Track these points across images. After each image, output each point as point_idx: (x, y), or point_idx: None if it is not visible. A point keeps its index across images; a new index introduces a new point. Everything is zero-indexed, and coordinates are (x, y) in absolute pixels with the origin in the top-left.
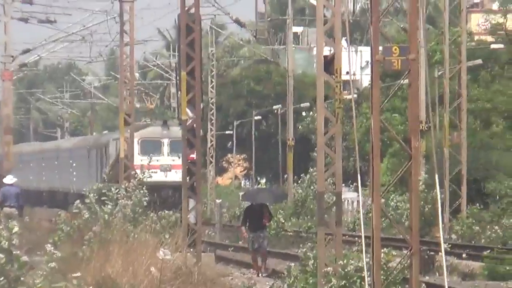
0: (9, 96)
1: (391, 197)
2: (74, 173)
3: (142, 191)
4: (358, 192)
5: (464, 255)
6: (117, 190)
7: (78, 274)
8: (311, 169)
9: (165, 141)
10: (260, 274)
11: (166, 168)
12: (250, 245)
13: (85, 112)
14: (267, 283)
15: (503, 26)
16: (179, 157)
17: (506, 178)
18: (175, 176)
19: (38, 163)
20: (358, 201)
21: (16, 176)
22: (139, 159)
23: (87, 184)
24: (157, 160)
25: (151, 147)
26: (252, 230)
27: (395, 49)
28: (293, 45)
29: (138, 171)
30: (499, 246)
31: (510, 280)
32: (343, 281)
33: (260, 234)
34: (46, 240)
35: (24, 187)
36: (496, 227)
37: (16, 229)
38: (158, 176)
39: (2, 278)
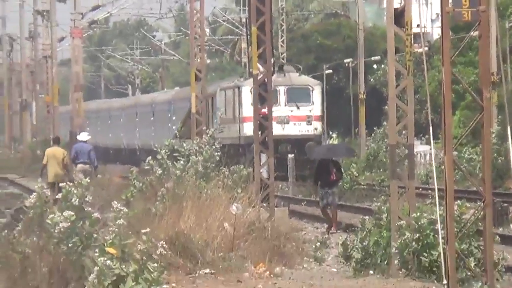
0: (79, 53)
1: (464, 150)
2: (174, 127)
3: (214, 146)
4: (430, 145)
5: None
6: (189, 146)
7: (148, 230)
8: (384, 123)
9: (282, 89)
10: (329, 233)
11: (283, 120)
12: (320, 202)
13: (156, 69)
14: (340, 237)
15: None
16: (298, 107)
17: None
18: (294, 129)
19: (145, 116)
20: (430, 154)
21: (112, 131)
22: (251, 111)
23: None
24: (273, 111)
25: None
26: (321, 186)
27: (465, 1)
28: None
29: (250, 124)
30: None
31: None
32: (417, 234)
33: (328, 190)
34: (119, 197)
35: (116, 145)
36: None
37: (89, 186)
38: (275, 129)
39: (74, 235)
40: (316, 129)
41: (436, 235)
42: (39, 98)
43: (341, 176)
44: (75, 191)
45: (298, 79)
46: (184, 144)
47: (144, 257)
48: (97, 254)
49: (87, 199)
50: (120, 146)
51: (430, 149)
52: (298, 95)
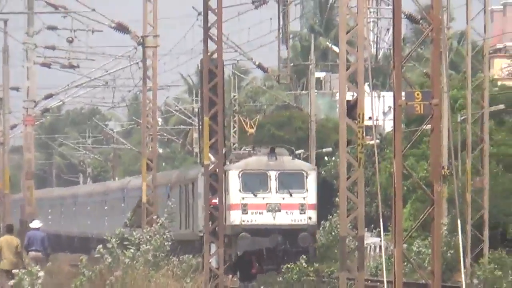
0: (31, 141)
1: (414, 242)
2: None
3: (165, 236)
4: (380, 237)
5: None
6: (139, 234)
7: None
8: (330, 216)
9: (273, 174)
10: None
11: (274, 208)
12: None
13: (107, 158)
14: None
15: None
16: (290, 195)
17: None
18: (286, 218)
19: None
20: (380, 246)
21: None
22: (240, 197)
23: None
24: (263, 198)
25: (256, 181)
26: (241, 279)
27: (418, 94)
28: (316, 90)
29: (238, 212)
30: None
31: None
32: None
33: (248, 284)
34: (69, 284)
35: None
36: None
37: (41, 273)
38: (265, 218)
39: None
40: (310, 218)
41: None
42: None
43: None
44: (27, 279)
45: (291, 163)
46: (134, 233)
47: None
48: None
49: (36, 287)
50: (72, 234)
51: (380, 241)
52: (291, 181)
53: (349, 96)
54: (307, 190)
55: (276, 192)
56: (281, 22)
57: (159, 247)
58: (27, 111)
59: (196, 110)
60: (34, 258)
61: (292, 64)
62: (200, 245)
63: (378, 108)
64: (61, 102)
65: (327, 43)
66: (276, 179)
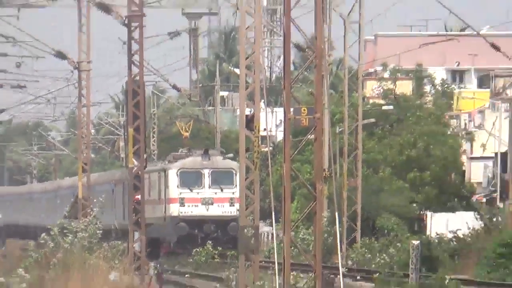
0: None
1: (300, 231)
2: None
3: (97, 225)
4: (272, 227)
5: (358, 277)
6: (76, 224)
7: None
8: None
9: (206, 172)
10: None
11: (208, 201)
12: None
13: (49, 162)
14: None
15: (393, 91)
16: (221, 190)
17: (392, 216)
18: (218, 210)
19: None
20: (272, 234)
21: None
22: (177, 192)
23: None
24: (198, 193)
25: (191, 178)
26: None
27: (304, 110)
28: (220, 107)
29: (176, 205)
30: (386, 270)
31: None
32: None
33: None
34: (19, 265)
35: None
36: (384, 255)
37: None
38: (199, 210)
39: None
40: (238, 210)
41: None
42: None
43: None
44: None
45: (223, 162)
46: (72, 223)
47: None
48: None
49: None
50: (26, 223)
51: (272, 230)
52: (222, 178)
53: (248, 111)
54: (236, 185)
55: (209, 187)
56: (192, 50)
57: (93, 235)
58: None
59: (122, 122)
60: None
61: (201, 85)
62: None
63: (272, 121)
64: (12, 116)
65: (230, 67)
66: (209, 176)
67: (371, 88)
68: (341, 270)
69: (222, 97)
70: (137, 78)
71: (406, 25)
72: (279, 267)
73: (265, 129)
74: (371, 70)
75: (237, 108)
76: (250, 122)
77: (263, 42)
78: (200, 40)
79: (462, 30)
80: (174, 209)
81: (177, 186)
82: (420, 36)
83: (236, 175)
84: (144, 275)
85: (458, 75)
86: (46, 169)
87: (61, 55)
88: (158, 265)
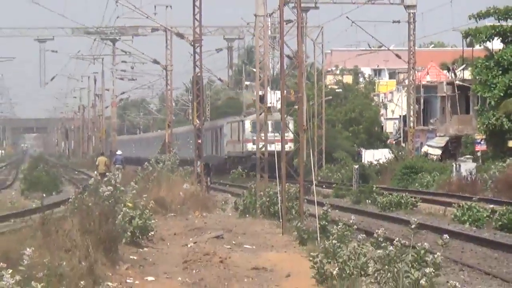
0: None
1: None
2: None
3: (176, 159)
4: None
5: (323, 186)
6: (164, 157)
7: (145, 195)
8: None
9: (269, 122)
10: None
11: (271, 141)
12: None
13: (149, 121)
14: (233, 199)
15: (341, 81)
16: (279, 134)
17: (343, 152)
18: (277, 147)
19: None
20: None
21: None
22: (250, 135)
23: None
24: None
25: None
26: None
27: (292, 92)
28: (245, 90)
29: (250, 144)
30: (339, 182)
31: (344, 198)
32: (267, 198)
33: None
34: (132, 180)
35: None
36: (339, 174)
37: (120, 175)
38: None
39: (111, 197)
40: (290, 147)
41: (277, 198)
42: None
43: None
44: (112, 177)
45: (280, 116)
46: (162, 156)
47: (143, 208)
48: (122, 206)
49: (118, 181)
50: (137, 156)
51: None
52: (279, 126)
53: (261, 93)
54: (289, 131)
55: (272, 132)
56: (229, 58)
57: (173, 163)
58: None
59: (190, 99)
60: (117, 168)
61: (233, 79)
62: (224, 161)
63: (274, 98)
64: (128, 96)
65: (251, 68)
66: (272, 125)
67: (329, 79)
68: (314, 182)
69: (246, 85)
70: (199, 74)
71: (348, 44)
72: (280, 181)
73: (270, 103)
74: (329, 69)
75: (254, 91)
76: (262, 98)
77: (269, 54)
78: (233, 53)
79: (380, 46)
80: (249, 146)
81: (250, 131)
82: (356, 51)
83: (289, 124)
84: (202, 185)
85: (377, 72)
86: (147, 126)
87: (156, 62)
88: (209, 178)
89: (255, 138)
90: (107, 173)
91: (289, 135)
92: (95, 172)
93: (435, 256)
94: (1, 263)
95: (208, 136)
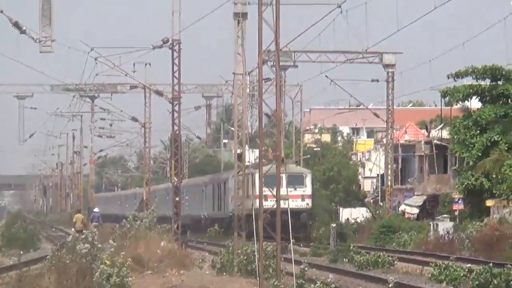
0: None
1: None
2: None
3: (154, 215)
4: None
5: (301, 245)
6: (142, 215)
7: (123, 253)
8: None
9: (283, 176)
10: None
11: (284, 197)
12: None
13: (128, 179)
14: (211, 258)
15: (319, 140)
16: (295, 189)
17: (321, 210)
18: (292, 203)
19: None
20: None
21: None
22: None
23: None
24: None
25: (272, 180)
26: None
27: (270, 150)
28: (223, 148)
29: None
30: (317, 241)
31: (321, 256)
32: (245, 257)
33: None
34: (109, 238)
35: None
36: (317, 231)
37: (97, 232)
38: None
39: (89, 254)
40: (307, 204)
41: (254, 257)
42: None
43: None
44: (89, 235)
45: (295, 168)
46: (140, 214)
47: (121, 265)
48: (100, 263)
49: (95, 238)
50: (114, 213)
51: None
52: (295, 180)
53: (238, 151)
54: (306, 186)
55: (285, 187)
56: (207, 116)
57: (151, 220)
58: None
59: (168, 157)
60: (94, 226)
61: (212, 136)
62: (229, 220)
63: (252, 156)
64: (106, 153)
65: (229, 126)
66: (285, 179)
67: (307, 138)
68: (291, 240)
69: (224, 143)
70: (177, 132)
71: (326, 103)
72: (257, 238)
73: (248, 161)
74: (307, 128)
75: (232, 149)
76: (240, 156)
77: (247, 112)
78: (212, 110)
79: (358, 105)
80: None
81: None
82: (335, 109)
83: (305, 178)
84: (179, 243)
85: (355, 131)
86: (125, 183)
87: (134, 119)
88: (186, 238)
89: (266, 193)
90: (84, 231)
91: (307, 191)
92: (72, 229)
93: None
94: None
95: (208, 192)
